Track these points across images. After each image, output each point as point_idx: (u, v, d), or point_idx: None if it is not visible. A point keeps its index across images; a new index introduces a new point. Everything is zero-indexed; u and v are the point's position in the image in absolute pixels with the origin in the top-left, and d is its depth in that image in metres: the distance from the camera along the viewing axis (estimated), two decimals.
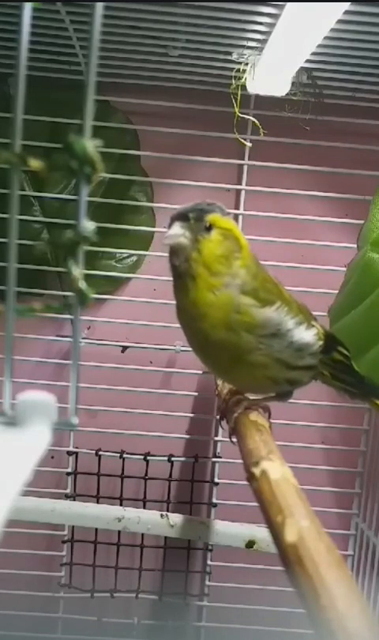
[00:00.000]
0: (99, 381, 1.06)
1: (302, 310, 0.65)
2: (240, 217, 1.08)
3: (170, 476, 1.07)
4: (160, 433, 1.09)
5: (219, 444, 1.11)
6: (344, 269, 0.91)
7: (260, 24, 0.80)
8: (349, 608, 0.30)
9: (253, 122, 1.02)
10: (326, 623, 0.30)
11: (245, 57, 0.91)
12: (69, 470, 1.09)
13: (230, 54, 0.91)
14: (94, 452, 1.07)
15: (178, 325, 0.62)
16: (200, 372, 1.08)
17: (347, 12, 0.69)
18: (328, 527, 0.51)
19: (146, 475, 1.08)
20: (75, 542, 1.09)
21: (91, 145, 0.29)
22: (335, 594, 0.31)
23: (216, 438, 1.12)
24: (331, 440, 1.11)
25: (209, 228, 0.58)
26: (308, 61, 0.87)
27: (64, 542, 1.09)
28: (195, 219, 0.57)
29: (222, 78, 0.98)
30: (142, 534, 1.04)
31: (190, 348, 0.63)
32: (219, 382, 0.80)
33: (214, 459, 1.11)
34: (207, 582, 1.12)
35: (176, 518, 0.92)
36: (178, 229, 0.57)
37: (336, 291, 0.91)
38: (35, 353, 1.10)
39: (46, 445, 0.30)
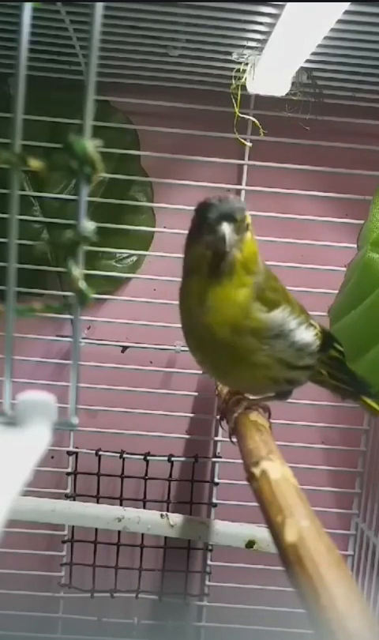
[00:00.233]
0: (99, 381, 1.06)
1: (302, 309, 0.65)
2: None
3: (170, 476, 1.07)
4: (160, 433, 1.10)
5: (219, 444, 1.11)
6: (344, 269, 0.91)
7: (260, 24, 0.80)
8: (349, 608, 0.30)
9: (253, 122, 1.02)
10: (326, 622, 0.30)
11: (245, 57, 0.91)
12: (69, 470, 1.09)
13: (230, 54, 0.91)
14: (94, 452, 1.07)
15: (178, 325, 0.62)
16: (201, 372, 1.08)
17: (347, 12, 0.69)
18: (328, 527, 0.51)
19: (146, 475, 1.08)
20: (75, 542, 1.09)
21: (91, 145, 0.29)
22: (335, 594, 0.31)
23: (216, 438, 1.12)
24: (331, 440, 1.11)
25: (247, 227, 0.58)
26: (308, 61, 0.87)
27: (64, 542, 1.09)
28: (241, 220, 0.56)
29: (222, 78, 0.98)
30: (142, 534, 1.04)
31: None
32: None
33: (214, 459, 1.11)
34: (207, 582, 1.12)
35: (176, 518, 0.92)
36: (229, 231, 0.55)
37: (336, 291, 0.91)
38: (35, 353, 1.10)
39: (46, 445, 0.30)
